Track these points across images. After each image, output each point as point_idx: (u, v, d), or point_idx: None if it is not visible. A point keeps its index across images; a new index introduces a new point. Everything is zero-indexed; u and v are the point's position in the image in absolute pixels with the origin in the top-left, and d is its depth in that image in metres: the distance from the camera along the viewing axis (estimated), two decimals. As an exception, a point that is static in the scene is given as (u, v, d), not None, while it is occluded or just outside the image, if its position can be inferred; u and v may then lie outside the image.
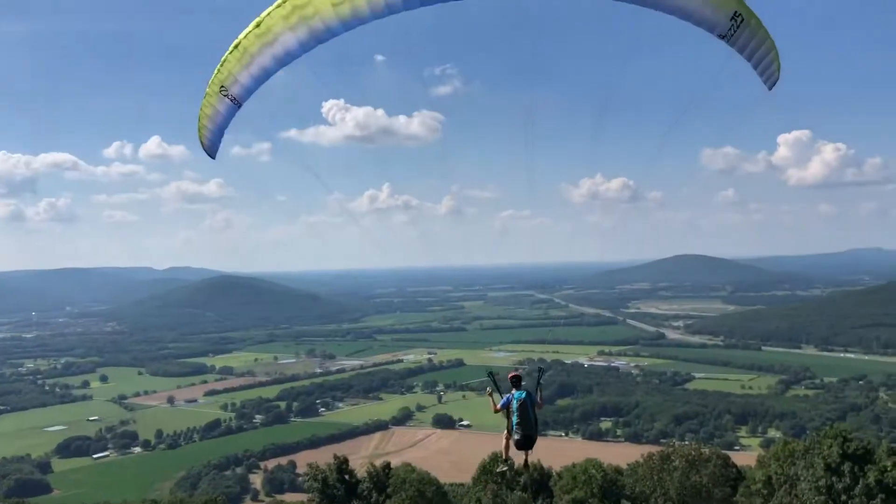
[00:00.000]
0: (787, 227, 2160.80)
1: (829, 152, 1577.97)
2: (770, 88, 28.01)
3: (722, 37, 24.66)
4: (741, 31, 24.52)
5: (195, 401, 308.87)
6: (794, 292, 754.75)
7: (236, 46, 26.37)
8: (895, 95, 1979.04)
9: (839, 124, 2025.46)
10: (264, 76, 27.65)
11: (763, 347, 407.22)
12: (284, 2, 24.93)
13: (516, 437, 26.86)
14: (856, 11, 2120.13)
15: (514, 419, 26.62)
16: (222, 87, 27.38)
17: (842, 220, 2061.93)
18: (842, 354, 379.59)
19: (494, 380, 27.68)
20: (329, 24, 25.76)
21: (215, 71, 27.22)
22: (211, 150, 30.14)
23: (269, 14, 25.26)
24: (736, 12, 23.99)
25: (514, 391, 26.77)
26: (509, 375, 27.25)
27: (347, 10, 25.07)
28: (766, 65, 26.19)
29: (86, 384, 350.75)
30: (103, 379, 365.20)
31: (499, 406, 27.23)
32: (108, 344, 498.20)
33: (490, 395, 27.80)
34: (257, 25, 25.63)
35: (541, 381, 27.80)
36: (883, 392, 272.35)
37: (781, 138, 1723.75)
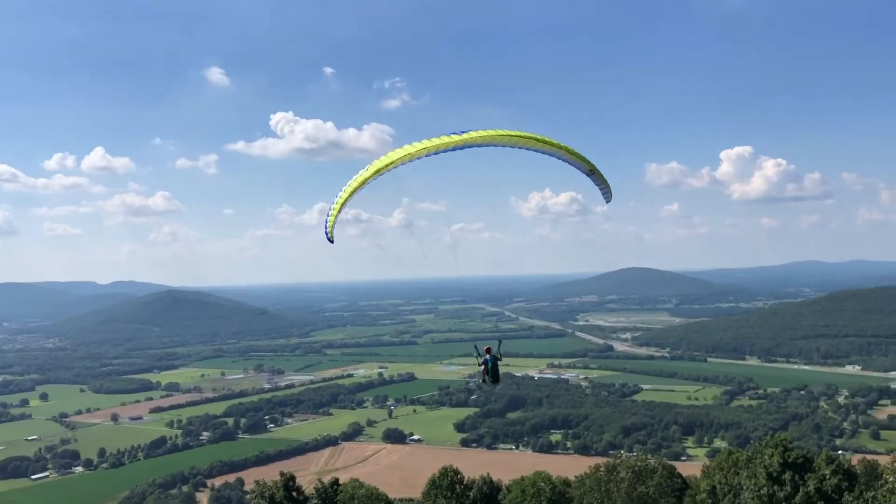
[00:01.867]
0: (730, 240, 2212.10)
1: (770, 167, 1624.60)
2: (607, 202, 47.89)
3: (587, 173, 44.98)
4: (595, 176, 45.44)
5: (140, 418, 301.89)
6: (737, 304, 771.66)
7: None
8: (834, 112, 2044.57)
9: (780, 140, 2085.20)
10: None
11: (708, 359, 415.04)
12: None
13: (490, 379, 45.76)
14: (796, 30, 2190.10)
15: (489, 372, 45.64)
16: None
17: (783, 233, 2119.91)
18: (784, 365, 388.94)
19: (476, 348, 47.41)
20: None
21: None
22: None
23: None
24: (590, 170, 44.55)
25: (487, 356, 45.66)
26: (485, 348, 46.36)
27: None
28: (605, 191, 46.66)
29: (24, 402, 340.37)
30: (43, 397, 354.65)
31: (481, 365, 45.80)
32: (48, 361, 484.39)
33: (477, 357, 46.26)
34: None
35: (500, 347, 47.41)
36: (823, 401, 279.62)
37: (724, 154, 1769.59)
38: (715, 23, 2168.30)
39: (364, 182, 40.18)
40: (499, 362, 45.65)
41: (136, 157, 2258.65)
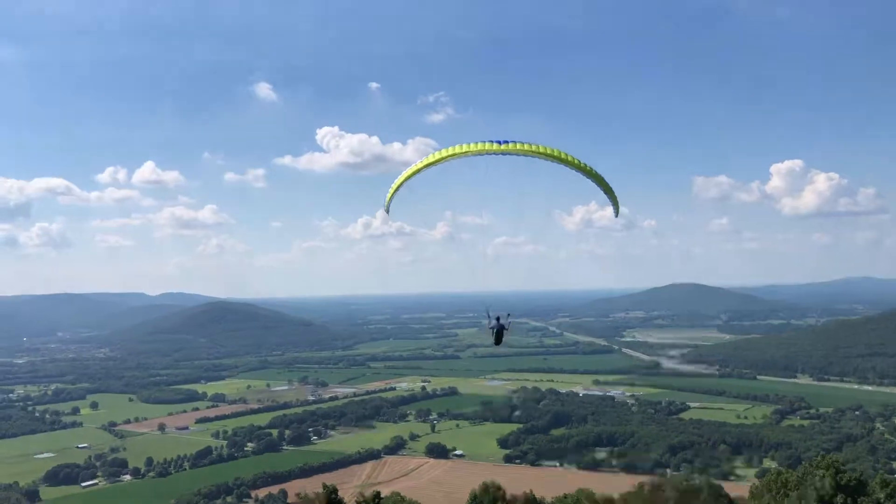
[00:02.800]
0: (781, 255, 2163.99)
1: (821, 182, 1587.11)
2: (616, 215, 52.36)
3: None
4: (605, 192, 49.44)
5: (186, 428, 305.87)
6: (788, 321, 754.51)
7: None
8: (886, 125, 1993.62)
9: (831, 154, 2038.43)
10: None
11: (758, 377, 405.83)
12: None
13: (494, 340, 53.99)
14: (845, 43, 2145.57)
15: (494, 334, 53.73)
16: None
17: (836, 249, 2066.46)
18: (837, 384, 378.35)
19: (488, 313, 53.81)
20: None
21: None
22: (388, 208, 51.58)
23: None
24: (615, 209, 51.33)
25: (496, 322, 53.06)
26: (496, 316, 53.42)
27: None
28: (614, 206, 50.77)
29: (76, 411, 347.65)
30: (94, 406, 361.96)
31: (491, 327, 53.24)
32: (99, 370, 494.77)
33: (487, 320, 53.39)
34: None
35: (509, 318, 54.47)
36: (879, 423, 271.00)
37: (774, 168, 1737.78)
38: (763, 32, 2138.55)
39: (422, 168, 47.10)
40: (504, 331, 53.20)
41: (186, 171, 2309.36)
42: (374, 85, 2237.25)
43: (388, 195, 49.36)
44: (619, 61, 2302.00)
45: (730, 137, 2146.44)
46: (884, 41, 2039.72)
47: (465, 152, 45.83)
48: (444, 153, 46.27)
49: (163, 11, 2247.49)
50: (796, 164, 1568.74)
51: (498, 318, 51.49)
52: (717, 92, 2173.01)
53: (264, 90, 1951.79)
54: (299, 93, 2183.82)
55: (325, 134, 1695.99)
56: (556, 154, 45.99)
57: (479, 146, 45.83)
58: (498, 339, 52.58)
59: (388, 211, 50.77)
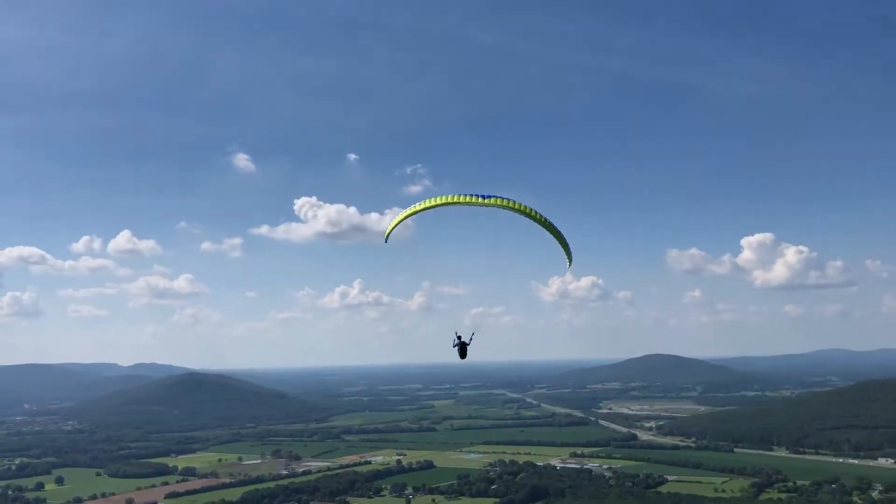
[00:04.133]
0: (754, 327, 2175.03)
1: (791, 255, 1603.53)
2: (569, 265, 60.41)
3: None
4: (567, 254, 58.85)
5: (155, 503, 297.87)
6: (763, 393, 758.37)
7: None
8: (855, 199, 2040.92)
9: (801, 228, 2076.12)
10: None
11: (735, 449, 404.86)
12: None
13: (460, 355, 63.26)
14: (813, 121, 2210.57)
15: (459, 352, 63.08)
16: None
17: (807, 321, 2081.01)
18: (813, 457, 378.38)
19: (456, 337, 62.86)
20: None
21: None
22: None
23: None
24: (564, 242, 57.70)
25: (458, 342, 62.51)
26: (461, 340, 62.63)
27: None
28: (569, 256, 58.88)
29: (40, 486, 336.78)
30: (59, 480, 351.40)
31: (456, 345, 62.45)
32: (66, 443, 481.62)
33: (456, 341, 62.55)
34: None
35: (472, 338, 62.43)
36: (857, 496, 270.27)
37: (745, 241, 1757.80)
38: (732, 109, 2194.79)
39: (421, 210, 55.79)
40: (467, 346, 62.71)
41: (162, 241, 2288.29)
42: (352, 156, 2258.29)
43: (389, 229, 60.30)
44: (594, 139, 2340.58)
45: (701, 210, 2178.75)
46: (848, 116, 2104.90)
47: (456, 202, 54.50)
48: (439, 199, 55.06)
49: (142, 82, 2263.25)
50: (767, 237, 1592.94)
51: (460, 337, 61.55)
52: (687, 166, 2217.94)
53: (242, 161, 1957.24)
54: (277, 163, 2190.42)
55: (302, 204, 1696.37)
56: (528, 210, 54.40)
57: (469, 198, 54.20)
58: (462, 354, 62.59)
59: (386, 241, 63.00)
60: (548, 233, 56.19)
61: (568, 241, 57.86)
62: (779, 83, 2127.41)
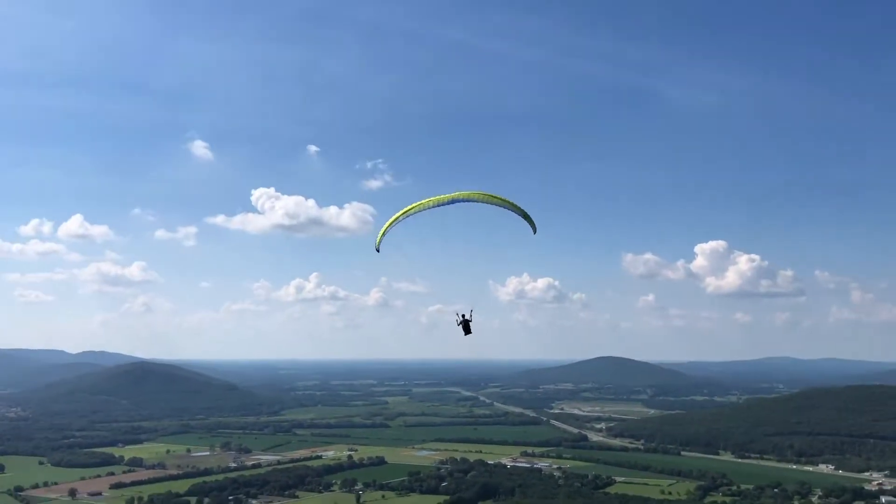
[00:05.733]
0: (705, 333, 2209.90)
1: (743, 263, 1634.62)
2: (534, 233, 65.90)
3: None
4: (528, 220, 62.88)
5: (100, 494, 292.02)
6: (712, 398, 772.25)
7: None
8: (806, 211, 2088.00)
9: (753, 237, 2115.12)
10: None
11: (682, 452, 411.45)
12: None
13: (464, 332, 67.47)
14: (769, 131, 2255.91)
15: (464, 328, 67.36)
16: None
17: (757, 328, 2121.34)
18: (757, 461, 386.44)
19: (458, 315, 68.43)
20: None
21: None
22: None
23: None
24: (524, 213, 61.80)
25: (464, 318, 67.64)
26: (464, 317, 67.79)
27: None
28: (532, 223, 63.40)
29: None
30: (0, 468, 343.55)
31: (459, 323, 67.23)
32: (8, 430, 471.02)
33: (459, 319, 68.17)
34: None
35: (472, 314, 67.94)
36: (797, 500, 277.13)
37: (698, 248, 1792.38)
38: (692, 116, 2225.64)
39: (408, 212, 59.14)
40: (470, 322, 67.53)
41: (115, 226, 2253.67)
42: (312, 148, 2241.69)
43: (379, 237, 62.36)
44: (553, 139, 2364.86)
45: (657, 216, 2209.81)
46: (804, 131, 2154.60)
47: (439, 201, 58.66)
48: (424, 202, 59.50)
49: (101, 65, 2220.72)
50: (720, 244, 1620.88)
51: (463, 315, 66.15)
52: (646, 171, 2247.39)
53: (200, 148, 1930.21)
54: (236, 152, 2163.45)
55: (260, 195, 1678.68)
56: (492, 198, 59.40)
57: (445, 197, 58.92)
58: (466, 330, 66.78)
59: (378, 250, 64.61)
60: (511, 211, 61.23)
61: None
62: (738, 94, 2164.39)
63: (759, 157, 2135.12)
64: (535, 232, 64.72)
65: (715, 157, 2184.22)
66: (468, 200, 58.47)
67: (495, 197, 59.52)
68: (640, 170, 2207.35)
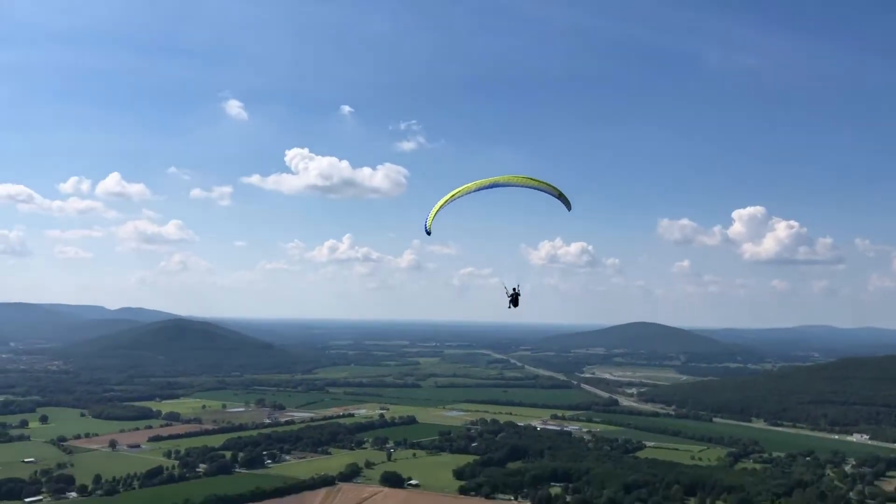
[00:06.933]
0: (741, 300, 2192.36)
1: (782, 229, 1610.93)
2: (569, 210, 64.80)
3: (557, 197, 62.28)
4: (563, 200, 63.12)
5: (138, 446, 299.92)
6: (745, 365, 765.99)
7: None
8: (848, 178, 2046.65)
9: (792, 203, 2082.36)
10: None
11: (714, 419, 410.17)
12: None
13: (511, 304, 69.54)
14: (810, 96, 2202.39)
15: (512, 300, 69.31)
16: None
17: (794, 296, 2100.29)
18: (790, 430, 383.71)
19: (507, 288, 70.16)
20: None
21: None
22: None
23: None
24: (560, 193, 61.98)
25: (511, 291, 69.27)
26: (514, 290, 69.82)
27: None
28: (567, 203, 63.03)
29: (24, 424, 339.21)
30: (43, 419, 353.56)
31: (509, 295, 69.14)
32: (51, 383, 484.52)
33: (509, 292, 69.69)
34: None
35: (518, 287, 69.81)
36: (830, 469, 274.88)
37: (736, 213, 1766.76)
38: (730, 80, 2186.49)
39: (459, 194, 59.79)
40: (518, 295, 70.00)
41: (151, 185, 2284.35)
42: (346, 108, 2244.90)
43: (430, 218, 61.98)
44: (591, 102, 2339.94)
45: (694, 182, 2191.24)
46: (845, 95, 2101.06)
47: (482, 185, 59.92)
48: (470, 186, 60.33)
49: (137, 24, 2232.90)
50: (758, 210, 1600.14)
51: (514, 289, 69.06)
52: (684, 135, 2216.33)
53: (234, 107, 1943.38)
54: (271, 112, 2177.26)
55: (294, 155, 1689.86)
56: (534, 182, 60.42)
57: (490, 180, 60.40)
58: (514, 303, 69.55)
59: (428, 232, 63.96)
60: (547, 193, 62.59)
61: (560, 205, 64.62)
62: (778, 58, 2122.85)
63: (798, 120, 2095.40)
64: (569, 209, 65.59)
65: (754, 121, 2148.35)
66: (508, 185, 60.56)
67: (533, 180, 61.02)
68: (678, 133, 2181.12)
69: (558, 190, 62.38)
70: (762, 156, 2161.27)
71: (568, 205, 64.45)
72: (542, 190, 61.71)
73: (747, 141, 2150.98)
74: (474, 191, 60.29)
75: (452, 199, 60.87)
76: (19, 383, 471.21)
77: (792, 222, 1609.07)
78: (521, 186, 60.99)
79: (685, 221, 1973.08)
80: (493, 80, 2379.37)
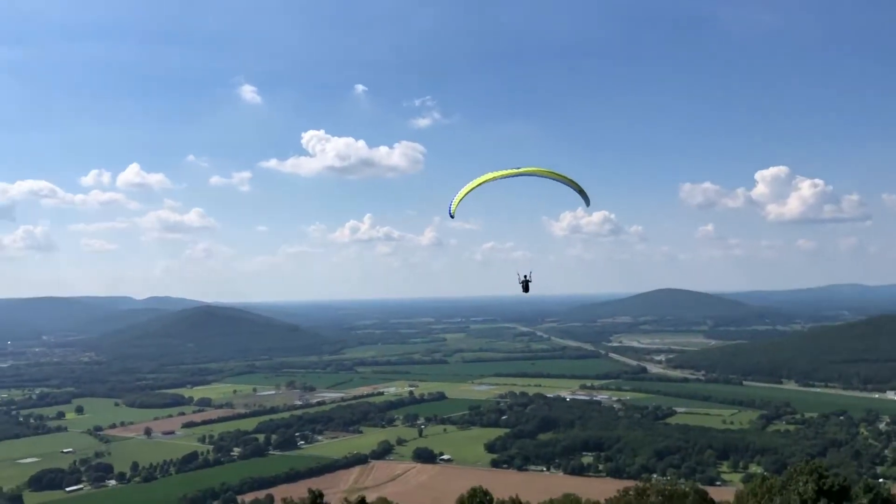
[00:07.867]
0: (766, 262, 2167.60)
1: (806, 188, 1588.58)
2: (587, 205, 63.16)
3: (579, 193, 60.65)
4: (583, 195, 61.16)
5: (172, 433, 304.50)
6: (774, 327, 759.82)
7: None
8: (869, 132, 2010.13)
9: (816, 161, 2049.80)
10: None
11: (744, 382, 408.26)
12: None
13: (523, 290, 67.05)
14: (831, 50, 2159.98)
15: (524, 287, 66.69)
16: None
17: (821, 255, 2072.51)
18: (822, 390, 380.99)
19: (519, 275, 67.36)
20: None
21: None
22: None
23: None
24: (581, 190, 60.24)
25: (525, 279, 66.70)
26: (526, 277, 66.62)
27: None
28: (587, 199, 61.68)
29: (61, 415, 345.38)
30: (79, 410, 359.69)
31: (521, 283, 66.88)
32: (84, 374, 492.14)
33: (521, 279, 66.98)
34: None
35: (530, 275, 66.76)
36: (863, 428, 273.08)
37: (759, 174, 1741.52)
38: (749, 39, 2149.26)
39: (482, 182, 59.39)
40: (530, 283, 69.90)
41: (171, 174, 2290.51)
42: (360, 88, 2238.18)
43: (455, 204, 61.57)
44: (607, 69, 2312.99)
45: (715, 144, 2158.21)
46: (869, 49, 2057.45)
47: (507, 174, 59.44)
48: (494, 174, 59.74)
49: (147, 15, 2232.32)
50: (781, 170, 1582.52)
51: (525, 276, 69.54)
52: (702, 98, 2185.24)
53: (248, 93, 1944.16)
54: (284, 95, 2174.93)
55: (310, 137, 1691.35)
56: (554, 174, 59.62)
57: (514, 170, 59.62)
58: (525, 289, 69.75)
59: (452, 216, 63.67)
60: (568, 186, 61.95)
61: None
62: (796, 14, 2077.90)
63: (819, 77, 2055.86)
64: (588, 205, 64.96)
65: (773, 80, 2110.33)
66: (531, 175, 60.80)
67: (554, 173, 61.26)
68: (696, 96, 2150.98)
69: (579, 186, 62.16)
70: (783, 115, 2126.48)
71: (587, 201, 64.22)
72: (563, 183, 61.84)
73: (768, 101, 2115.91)
74: (499, 178, 60.40)
75: (476, 186, 61.19)
76: (54, 376, 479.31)
77: (816, 180, 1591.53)
78: (544, 177, 61.13)
79: (707, 185, 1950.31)
80: (505, 51, 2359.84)
